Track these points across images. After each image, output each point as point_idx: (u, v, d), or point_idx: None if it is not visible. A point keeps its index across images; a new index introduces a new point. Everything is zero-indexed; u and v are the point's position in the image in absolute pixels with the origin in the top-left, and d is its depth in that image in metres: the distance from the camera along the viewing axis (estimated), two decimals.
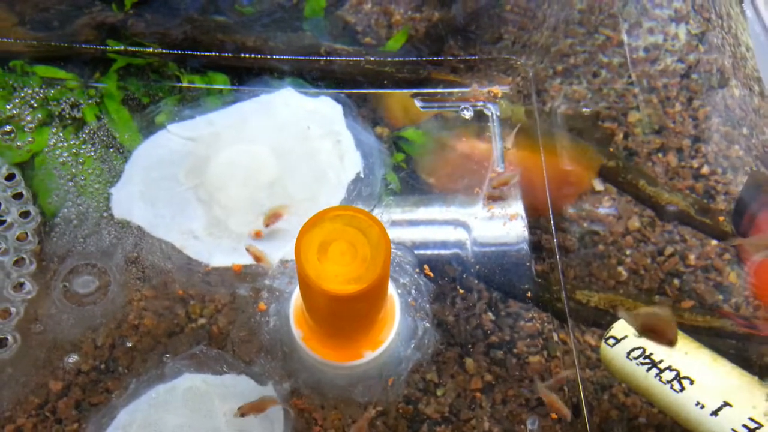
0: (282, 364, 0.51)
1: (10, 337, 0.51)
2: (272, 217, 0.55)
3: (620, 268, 0.56)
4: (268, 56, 0.67)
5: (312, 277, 0.40)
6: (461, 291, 0.56)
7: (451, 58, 0.68)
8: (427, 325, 0.53)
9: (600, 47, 0.66)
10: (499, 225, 0.59)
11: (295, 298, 0.50)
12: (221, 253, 0.55)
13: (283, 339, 0.52)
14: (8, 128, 0.60)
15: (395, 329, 0.50)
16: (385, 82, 0.67)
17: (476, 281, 0.57)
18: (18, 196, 0.56)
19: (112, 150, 0.60)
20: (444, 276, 0.57)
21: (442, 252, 0.59)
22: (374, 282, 0.41)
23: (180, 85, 0.65)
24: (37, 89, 0.62)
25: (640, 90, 0.65)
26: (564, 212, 0.60)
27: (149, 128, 0.62)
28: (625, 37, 0.66)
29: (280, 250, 0.55)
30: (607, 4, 0.68)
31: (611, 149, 0.62)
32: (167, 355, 0.51)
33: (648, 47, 0.66)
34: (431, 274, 0.56)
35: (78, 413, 0.48)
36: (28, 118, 0.61)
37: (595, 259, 0.57)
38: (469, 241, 0.59)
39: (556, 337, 0.54)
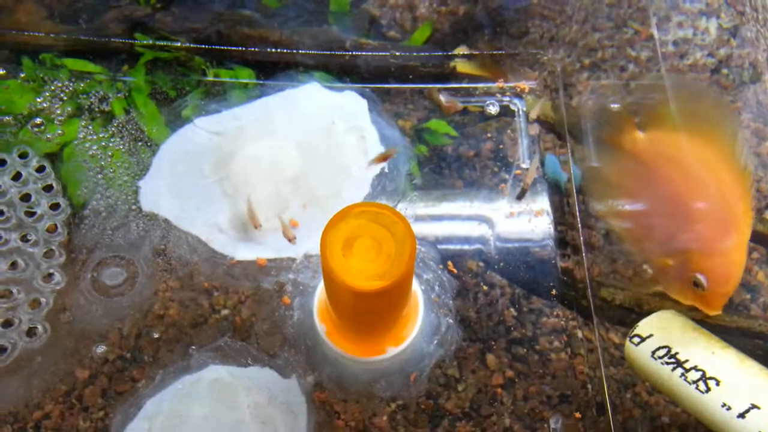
0: (305, 358, 0.51)
1: (40, 327, 0.52)
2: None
3: (645, 266, 0.55)
4: (294, 51, 0.67)
5: (337, 272, 0.41)
6: (484, 287, 0.56)
7: (476, 52, 0.68)
8: (450, 321, 0.54)
9: (628, 41, 0.65)
10: (525, 221, 0.59)
11: (319, 292, 0.51)
12: (246, 247, 0.56)
13: (306, 333, 0.52)
14: (38, 120, 0.61)
15: (418, 325, 0.50)
16: (410, 76, 0.67)
17: (499, 277, 0.57)
18: (48, 188, 0.58)
19: (140, 143, 0.61)
20: (467, 271, 0.57)
21: (466, 248, 0.59)
22: (399, 279, 0.41)
23: (206, 79, 0.66)
24: (66, 82, 0.63)
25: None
26: (590, 209, 0.60)
27: (176, 122, 0.63)
28: (654, 31, 0.65)
29: (304, 245, 0.56)
30: None
31: None
32: (193, 347, 0.52)
33: (677, 41, 0.66)
34: (455, 271, 0.56)
35: (104, 401, 0.50)
36: (58, 111, 0.62)
37: (620, 256, 0.57)
38: (493, 237, 0.59)
39: (580, 335, 0.54)
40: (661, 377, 0.43)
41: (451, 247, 0.59)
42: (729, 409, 0.40)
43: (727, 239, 0.44)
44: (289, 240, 0.55)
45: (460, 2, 0.70)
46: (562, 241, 0.59)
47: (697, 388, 0.41)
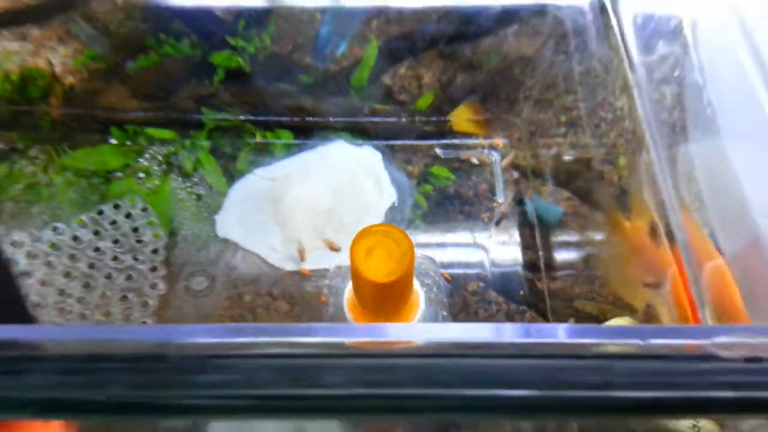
0: None
1: (150, 321, 0.64)
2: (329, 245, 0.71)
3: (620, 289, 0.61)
4: (324, 117, 0.79)
5: (361, 270, 0.55)
6: (484, 304, 0.66)
7: (469, 116, 0.80)
8: (445, 313, 0.65)
9: (598, 104, 0.70)
10: (506, 247, 0.71)
11: (347, 292, 0.65)
12: (293, 262, 0.69)
13: (338, 322, 0.64)
14: (142, 175, 0.75)
15: (420, 314, 0.63)
16: (415, 134, 0.79)
17: (496, 295, 0.67)
18: (151, 223, 0.71)
19: (213, 189, 0.75)
20: (470, 292, 0.67)
21: (467, 271, 0.69)
22: (403, 274, 0.55)
23: (255, 140, 0.77)
24: (160, 147, 0.77)
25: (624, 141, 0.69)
26: (569, 240, 0.69)
27: (236, 173, 0.75)
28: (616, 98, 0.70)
29: (336, 259, 0.70)
30: (603, 70, 0.71)
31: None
32: None
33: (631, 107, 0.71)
34: (449, 278, 0.69)
35: None
36: (155, 168, 0.75)
37: (597, 278, 0.64)
38: (487, 261, 0.70)
39: None
40: None
41: (450, 270, 0.69)
42: None
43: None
44: (336, 250, 0.69)
45: (457, 72, 0.77)
46: (537, 265, 0.69)
47: None
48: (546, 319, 0.65)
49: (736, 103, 0.44)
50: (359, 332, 0.28)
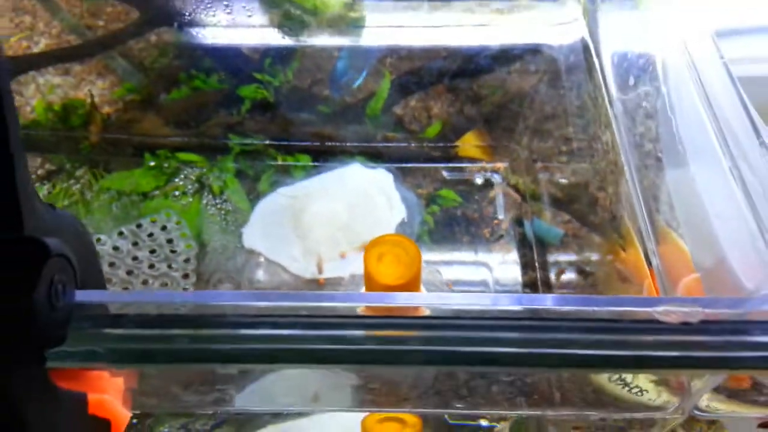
0: None
1: None
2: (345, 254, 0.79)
3: None
4: (341, 143, 0.85)
5: (373, 274, 0.61)
6: None
7: (475, 142, 0.85)
8: None
9: (591, 136, 0.71)
10: (506, 266, 0.76)
11: None
12: (312, 271, 0.76)
13: None
14: (177, 193, 0.82)
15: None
16: (423, 159, 0.85)
17: None
18: (184, 235, 0.78)
19: (240, 206, 0.83)
20: None
21: (470, 288, 0.74)
22: (411, 278, 0.61)
23: (277, 163, 0.84)
24: (191, 169, 0.85)
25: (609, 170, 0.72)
26: (569, 259, 0.72)
27: (257, 193, 0.81)
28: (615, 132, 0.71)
29: (349, 268, 0.77)
30: (592, 105, 0.74)
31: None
32: None
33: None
34: (451, 287, 0.77)
35: None
36: (189, 187, 0.83)
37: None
38: (489, 278, 0.75)
39: None
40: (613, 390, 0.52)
41: (457, 288, 0.74)
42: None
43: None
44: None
45: (464, 103, 0.83)
46: (536, 283, 0.74)
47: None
48: None
49: (694, 134, 0.51)
50: (374, 299, 0.36)
